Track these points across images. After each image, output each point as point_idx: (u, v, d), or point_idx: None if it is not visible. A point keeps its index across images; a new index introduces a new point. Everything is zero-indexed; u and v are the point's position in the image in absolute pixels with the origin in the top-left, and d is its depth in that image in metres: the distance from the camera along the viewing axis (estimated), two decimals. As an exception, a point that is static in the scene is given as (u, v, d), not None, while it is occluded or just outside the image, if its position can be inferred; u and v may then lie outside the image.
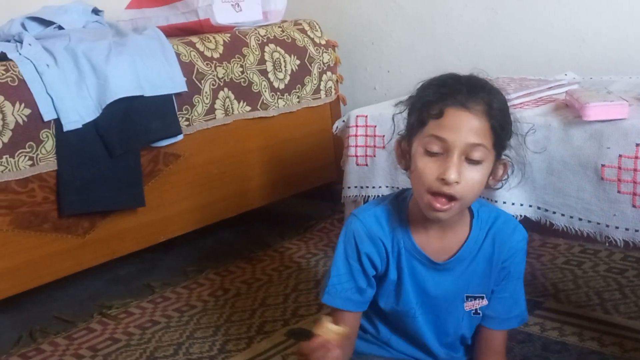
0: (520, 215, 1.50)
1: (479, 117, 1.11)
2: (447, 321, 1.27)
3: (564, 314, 1.73)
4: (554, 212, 1.46)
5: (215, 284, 2.15)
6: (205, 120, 2.12)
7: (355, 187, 1.77)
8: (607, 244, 1.39)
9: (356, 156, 1.76)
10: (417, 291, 1.25)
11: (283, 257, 2.32)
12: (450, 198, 1.12)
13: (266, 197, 2.38)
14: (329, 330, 1.09)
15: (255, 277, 2.17)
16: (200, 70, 2.09)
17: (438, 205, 1.12)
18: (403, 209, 1.24)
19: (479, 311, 1.27)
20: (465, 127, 1.10)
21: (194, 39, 2.15)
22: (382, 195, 1.65)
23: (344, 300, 1.24)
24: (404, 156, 1.21)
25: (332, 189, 2.41)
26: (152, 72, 1.94)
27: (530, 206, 1.50)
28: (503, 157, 1.20)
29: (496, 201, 1.52)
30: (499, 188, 1.24)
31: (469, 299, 1.26)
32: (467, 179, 1.11)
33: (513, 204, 1.51)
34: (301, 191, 2.52)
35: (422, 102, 1.15)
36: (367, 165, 1.74)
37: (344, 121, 1.83)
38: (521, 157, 1.23)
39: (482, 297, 1.26)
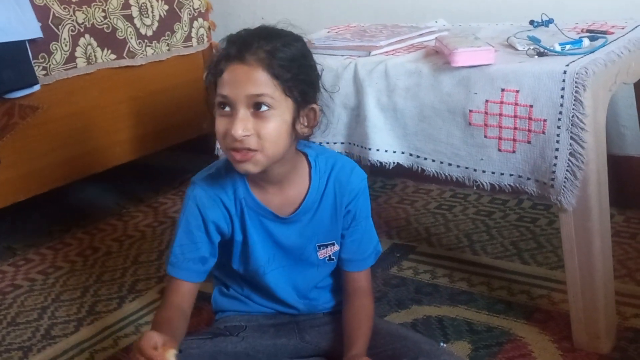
0: (393, 162, 1.51)
1: (256, 67, 1.09)
2: (302, 272, 1.29)
3: (436, 257, 1.78)
4: (425, 158, 1.47)
5: (84, 243, 2.04)
6: (65, 70, 1.97)
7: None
8: (475, 188, 1.42)
9: (228, 105, 1.70)
10: (268, 246, 1.25)
11: (157, 213, 2.24)
12: (247, 149, 1.10)
13: (137, 151, 2.26)
14: None
15: (127, 235, 2.08)
16: (57, 15, 1.93)
17: (237, 156, 1.11)
18: None
19: (332, 257, 1.29)
20: (243, 79, 1.09)
21: (49, -20, 1.97)
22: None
23: (187, 272, 1.22)
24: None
25: (208, 141, 2.32)
26: (0, 17, 1.76)
27: (403, 153, 1.50)
28: (309, 104, 1.17)
29: (370, 148, 1.52)
30: (311, 134, 1.21)
31: (321, 248, 1.27)
32: (258, 130, 1.09)
33: (386, 151, 1.51)
34: (175, 144, 2.42)
35: (212, 62, 1.15)
36: (239, 114, 1.68)
37: (215, 69, 1.76)
38: (325, 100, 1.22)
39: (333, 244, 1.28)
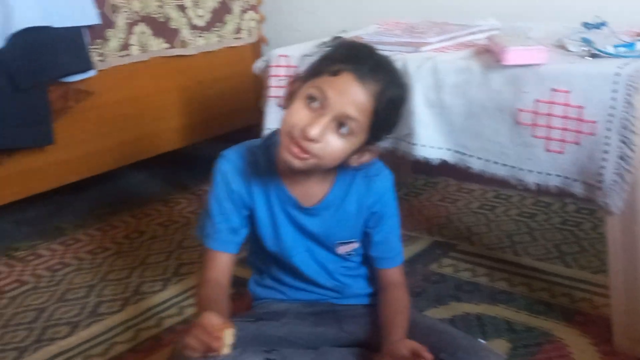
0: (438, 159, 1.52)
1: (368, 96, 1.09)
2: (326, 256, 1.30)
3: (477, 256, 1.78)
4: (471, 156, 1.47)
5: (131, 226, 2.09)
6: (119, 56, 2.02)
7: (276, 128, 1.74)
8: (520, 188, 1.42)
9: (277, 97, 1.73)
10: (292, 229, 1.27)
11: (201, 200, 2.28)
12: (306, 151, 1.10)
13: (183, 139, 2.31)
14: (226, 345, 1.02)
15: (172, 220, 2.13)
16: (113, 3, 1.98)
17: (295, 150, 1.10)
18: (271, 152, 1.23)
19: (352, 252, 1.31)
20: (351, 96, 1.09)
21: (107, -31, 2.03)
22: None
23: (220, 242, 1.25)
24: (290, 96, 1.18)
25: (252, 133, 2.36)
26: (61, 2, 1.82)
27: (448, 149, 1.51)
28: (374, 145, 1.18)
29: (415, 144, 1.53)
30: (356, 167, 1.21)
31: (341, 245, 1.29)
32: (329, 142, 1.10)
33: (432, 147, 1.52)
34: (220, 134, 2.46)
35: (329, 55, 1.14)
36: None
37: (265, 61, 1.79)
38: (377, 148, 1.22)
39: (354, 242, 1.29)
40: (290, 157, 1.12)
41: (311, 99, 1.11)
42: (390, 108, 1.13)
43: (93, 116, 2.00)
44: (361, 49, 1.15)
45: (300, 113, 1.11)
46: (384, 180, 1.27)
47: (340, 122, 1.10)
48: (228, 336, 1.01)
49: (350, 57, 1.12)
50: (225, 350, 1.01)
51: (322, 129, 1.09)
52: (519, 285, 1.62)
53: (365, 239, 1.30)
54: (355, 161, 1.19)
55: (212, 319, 1.02)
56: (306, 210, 1.25)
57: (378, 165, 1.28)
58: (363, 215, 1.27)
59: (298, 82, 1.18)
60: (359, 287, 1.35)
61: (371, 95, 1.10)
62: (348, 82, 1.09)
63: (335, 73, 1.10)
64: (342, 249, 1.29)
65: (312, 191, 1.24)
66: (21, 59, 1.75)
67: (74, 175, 2.02)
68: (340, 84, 1.09)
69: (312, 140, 1.09)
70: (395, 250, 1.31)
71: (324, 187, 1.25)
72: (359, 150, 1.17)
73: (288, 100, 1.19)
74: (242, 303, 1.56)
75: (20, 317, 1.60)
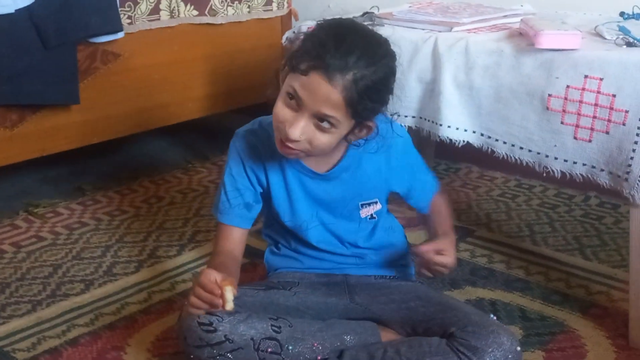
0: (463, 141, 1.50)
1: (339, 91, 1.09)
2: (344, 226, 1.32)
3: (494, 243, 1.76)
4: (497, 140, 1.45)
5: (150, 191, 2.10)
6: (148, 20, 2.02)
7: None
8: (543, 177, 1.40)
9: (304, 70, 1.71)
10: (310, 202, 1.29)
11: (221, 171, 2.27)
12: (293, 148, 1.15)
13: (207, 109, 2.30)
14: (228, 301, 1.05)
15: (191, 188, 2.13)
16: (146, -34, 1.98)
17: (283, 149, 1.16)
18: None
19: (374, 215, 1.34)
20: (322, 96, 1.09)
21: None
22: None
23: (234, 217, 1.28)
24: (282, 76, 1.18)
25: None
26: (94, -39, 1.81)
27: (474, 132, 1.49)
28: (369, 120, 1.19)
29: (441, 124, 1.51)
30: (358, 144, 1.24)
31: (364, 206, 1.32)
32: (313, 138, 1.13)
33: (457, 128, 1.50)
34: (244, 105, 2.45)
35: (301, 49, 1.14)
36: (314, 79, 1.69)
37: (294, 32, 1.77)
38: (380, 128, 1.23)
39: (376, 202, 1.32)
40: (282, 151, 1.17)
41: (290, 96, 1.12)
42: (367, 94, 1.11)
43: (119, 79, 2.00)
44: (331, 37, 1.11)
45: (282, 111, 1.14)
46: (403, 139, 1.32)
47: (319, 119, 1.12)
48: (228, 292, 1.03)
49: (319, 52, 1.10)
50: (229, 306, 1.03)
51: (301, 130, 1.12)
52: (536, 274, 1.60)
53: (400, 195, 1.35)
54: (354, 138, 1.21)
55: (211, 276, 1.04)
56: (322, 177, 1.27)
57: (396, 126, 1.29)
58: (384, 175, 1.30)
59: (285, 68, 1.16)
60: (379, 256, 1.35)
61: (343, 89, 1.09)
62: (317, 82, 1.09)
63: (304, 72, 1.10)
64: (365, 212, 1.31)
65: (326, 159, 1.27)
66: (51, 17, 1.75)
67: (96, 136, 2.02)
68: (309, 84, 1.10)
69: (293, 141, 1.12)
70: (426, 185, 1.37)
71: (338, 154, 1.27)
72: (353, 130, 1.18)
73: (282, 76, 1.18)
74: (255, 273, 1.57)
75: (36, 271, 1.61)
